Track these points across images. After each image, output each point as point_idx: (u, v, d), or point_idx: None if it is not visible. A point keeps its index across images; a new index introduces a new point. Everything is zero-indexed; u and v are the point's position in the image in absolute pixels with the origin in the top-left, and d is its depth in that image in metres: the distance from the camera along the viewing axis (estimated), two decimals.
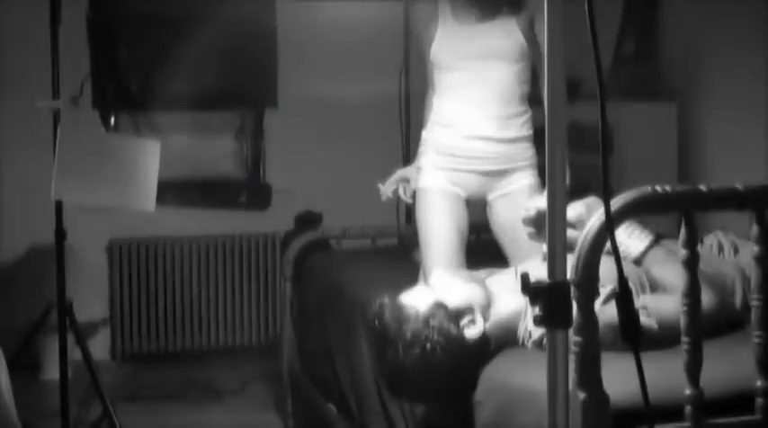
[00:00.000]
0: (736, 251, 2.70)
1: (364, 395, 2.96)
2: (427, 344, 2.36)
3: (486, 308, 2.46)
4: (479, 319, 2.43)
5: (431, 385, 2.41)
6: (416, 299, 2.45)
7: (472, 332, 2.42)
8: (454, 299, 2.44)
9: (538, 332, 2.38)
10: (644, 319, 2.24)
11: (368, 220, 4.32)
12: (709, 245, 2.72)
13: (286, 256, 3.88)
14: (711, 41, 4.18)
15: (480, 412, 2.31)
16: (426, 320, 2.39)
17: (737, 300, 2.51)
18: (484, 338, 2.42)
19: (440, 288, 2.50)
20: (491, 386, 2.32)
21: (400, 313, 2.41)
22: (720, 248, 2.71)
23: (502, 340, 2.45)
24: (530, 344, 2.43)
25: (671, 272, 2.37)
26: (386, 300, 2.47)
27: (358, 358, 2.99)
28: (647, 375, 1.63)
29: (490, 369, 2.38)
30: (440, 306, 2.42)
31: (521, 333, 2.46)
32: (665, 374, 1.99)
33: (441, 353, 2.36)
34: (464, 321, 2.42)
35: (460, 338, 2.40)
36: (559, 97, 1.63)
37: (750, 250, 2.10)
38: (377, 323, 2.44)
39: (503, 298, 2.49)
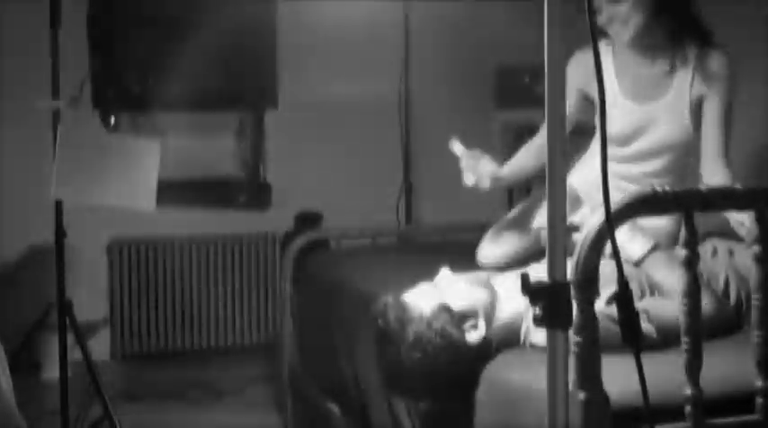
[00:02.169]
0: (731, 255, 2.70)
1: (369, 392, 2.97)
2: (429, 346, 2.36)
3: (489, 312, 2.46)
4: (482, 324, 2.43)
5: (430, 385, 2.42)
6: (421, 300, 2.45)
7: (474, 336, 2.42)
8: (458, 302, 2.44)
9: (538, 333, 2.38)
10: (644, 325, 2.25)
11: (368, 220, 4.33)
12: (704, 250, 2.72)
13: (286, 256, 3.88)
14: None
15: (481, 411, 2.31)
16: (429, 323, 2.39)
17: (732, 300, 2.52)
18: (485, 342, 2.43)
19: (445, 289, 2.50)
20: (492, 385, 2.32)
21: (404, 314, 2.41)
22: (714, 252, 2.71)
23: (504, 341, 2.45)
24: (528, 344, 2.43)
25: (672, 276, 2.38)
26: (390, 300, 2.47)
27: (362, 355, 2.99)
28: (647, 375, 1.64)
29: (491, 368, 2.38)
30: (444, 309, 2.42)
31: (523, 333, 2.46)
32: (665, 374, 1.99)
33: (442, 355, 2.37)
34: (466, 325, 2.42)
35: (462, 341, 2.40)
36: (559, 97, 1.63)
37: (748, 253, 2.10)
38: (380, 322, 2.45)
39: (507, 299, 2.49)
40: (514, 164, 3.07)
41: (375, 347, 2.56)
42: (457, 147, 2.95)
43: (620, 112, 2.85)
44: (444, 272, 2.60)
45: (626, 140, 2.85)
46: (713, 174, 2.76)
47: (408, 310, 2.42)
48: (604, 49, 2.91)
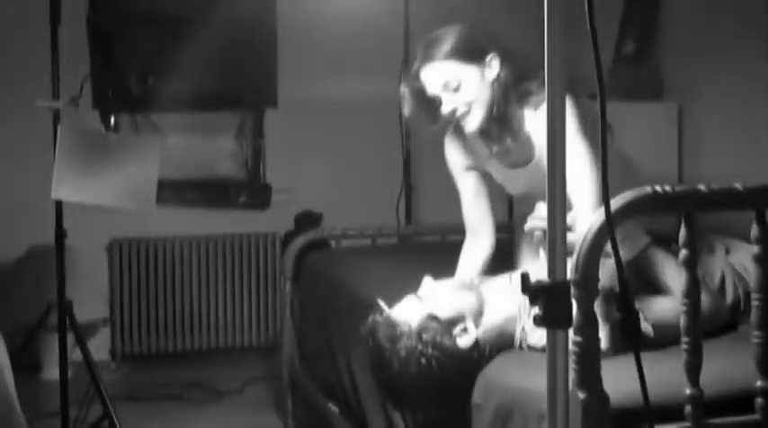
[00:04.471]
0: (727, 252, 2.70)
1: (365, 395, 2.97)
2: (422, 359, 2.36)
3: (477, 314, 2.46)
4: (471, 327, 2.43)
5: (429, 396, 2.41)
6: (407, 314, 2.44)
7: (465, 341, 2.41)
8: (445, 310, 2.43)
9: (535, 335, 2.38)
10: (641, 324, 2.25)
11: (368, 220, 4.32)
12: (700, 248, 2.72)
13: (286, 256, 3.88)
14: (711, 41, 4.18)
15: (479, 414, 2.30)
16: (419, 335, 2.38)
17: (728, 297, 2.52)
18: (477, 345, 2.42)
19: (430, 298, 2.50)
20: (489, 387, 2.32)
21: (393, 330, 2.41)
22: (711, 249, 2.72)
23: (497, 345, 2.45)
24: (525, 346, 2.43)
25: (666, 274, 2.38)
26: (378, 318, 2.46)
27: (359, 358, 2.99)
28: (646, 375, 1.63)
29: (488, 370, 2.37)
30: (432, 318, 2.41)
31: (517, 335, 2.46)
32: (665, 374, 1.99)
33: (436, 366, 2.36)
34: (456, 330, 2.42)
35: (454, 348, 2.40)
36: (559, 97, 1.63)
37: (745, 251, 2.10)
38: (370, 341, 2.45)
39: (496, 302, 2.49)
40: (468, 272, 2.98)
41: (369, 367, 2.56)
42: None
43: (512, 181, 2.89)
44: (427, 282, 2.59)
45: (530, 199, 2.78)
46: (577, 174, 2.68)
47: (397, 326, 2.41)
48: (470, 138, 2.89)
